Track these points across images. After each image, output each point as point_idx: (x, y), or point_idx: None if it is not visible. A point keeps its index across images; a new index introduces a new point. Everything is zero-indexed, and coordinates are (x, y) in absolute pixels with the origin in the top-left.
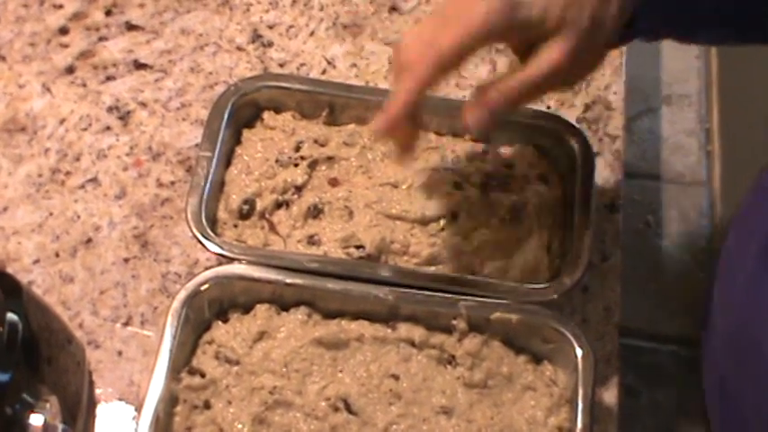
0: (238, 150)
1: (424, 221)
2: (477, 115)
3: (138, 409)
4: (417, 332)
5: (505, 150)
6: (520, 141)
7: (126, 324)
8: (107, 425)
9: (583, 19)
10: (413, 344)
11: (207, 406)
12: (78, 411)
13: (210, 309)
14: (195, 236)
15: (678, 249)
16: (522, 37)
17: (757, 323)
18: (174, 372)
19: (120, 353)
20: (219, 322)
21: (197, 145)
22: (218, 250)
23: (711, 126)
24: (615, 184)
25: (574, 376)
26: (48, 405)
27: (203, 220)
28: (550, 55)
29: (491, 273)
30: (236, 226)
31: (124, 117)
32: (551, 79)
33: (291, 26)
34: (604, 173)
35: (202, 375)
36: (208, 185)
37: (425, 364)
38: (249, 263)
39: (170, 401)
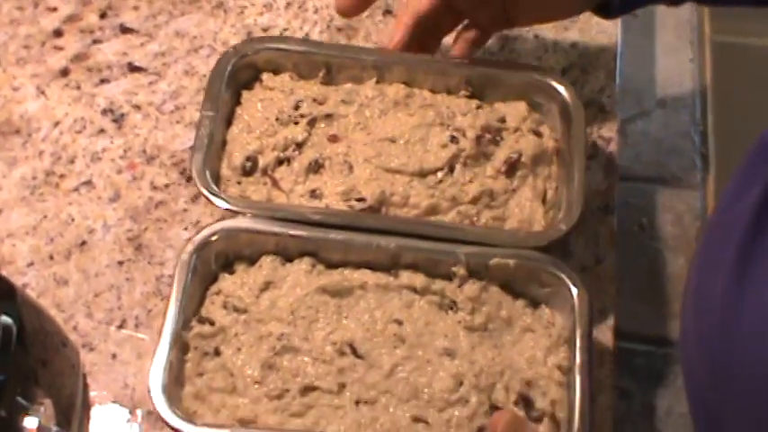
0: (238, 111)
1: (422, 174)
2: None
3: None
4: (419, 279)
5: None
6: (511, 97)
7: (120, 327)
8: (101, 427)
9: None
10: (415, 290)
11: (217, 353)
12: (73, 414)
13: (217, 261)
14: (201, 192)
15: (673, 252)
16: None
17: (739, 328)
18: (185, 321)
19: (114, 356)
20: (226, 274)
21: (191, 147)
22: (225, 205)
23: (705, 129)
24: (609, 186)
25: (571, 318)
26: (42, 408)
27: (208, 177)
28: None
29: (488, 222)
30: (239, 183)
31: (118, 120)
32: None
33: (285, 29)
34: (598, 175)
35: (212, 324)
36: (211, 144)
37: (427, 310)
38: (254, 216)
39: (181, 349)
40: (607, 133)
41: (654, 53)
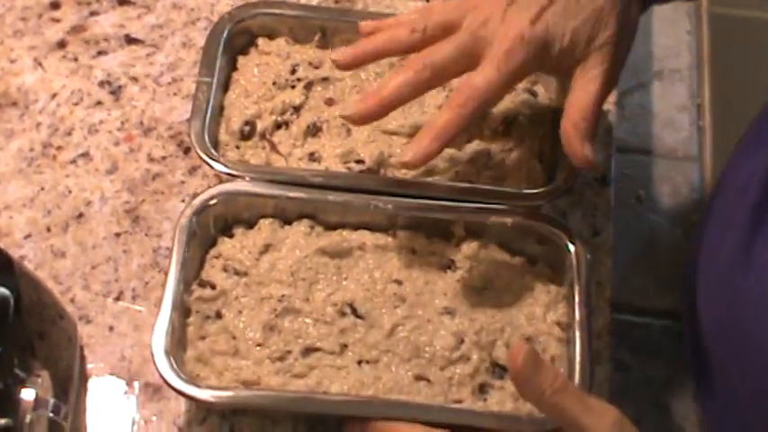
0: (235, 76)
1: None
2: (586, 146)
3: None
4: (417, 239)
5: None
6: None
7: (117, 299)
8: (99, 399)
9: (611, 35)
10: (413, 250)
11: (218, 316)
12: (70, 386)
13: (215, 225)
14: (200, 157)
15: (670, 224)
16: (557, 66)
17: (745, 307)
18: (185, 284)
19: (111, 328)
20: (225, 238)
21: (188, 120)
22: (224, 169)
23: (703, 101)
24: (606, 158)
25: (569, 274)
26: (39, 380)
27: (207, 143)
28: (594, 82)
29: (486, 181)
30: (237, 147)
31: (116, 92)
32: (605, 94)
33: (284, 2)
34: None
35: (212, 287)
36: (209, 109)
37: (426, 269)
38: (254, 180)
39: (183, 313)
40: (604, 105)
41: (651, 25)
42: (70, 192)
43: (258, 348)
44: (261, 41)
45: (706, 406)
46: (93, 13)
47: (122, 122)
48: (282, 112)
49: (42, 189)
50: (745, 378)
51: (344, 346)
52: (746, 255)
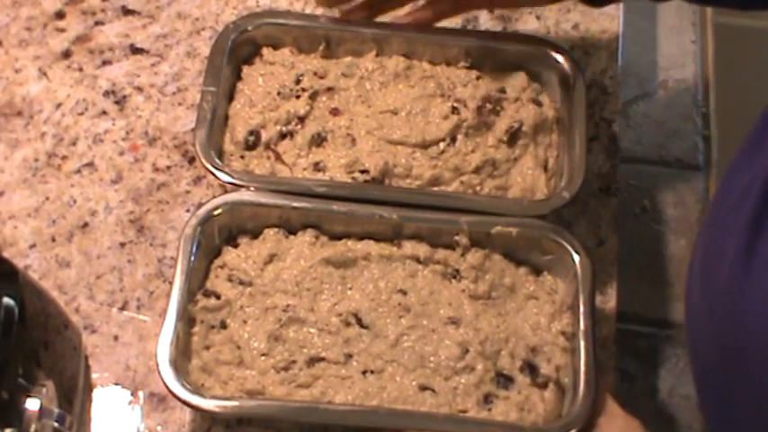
0: (239, 86)
1: (424, 145)
2: None
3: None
4: (422, 249)
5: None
6: (510, 67)
7: (122, 309)
8: (103, 409)
9: None
10: (418, 260)
11: (223, 326)
12: (75, 396)
13: (220, 235)
14: (205, 167)
15: (675, 234)
16: None
17: (747, 311)
18: (190, 294)
19: (116, 337)
20: (229, 247)
21: (193, 129)
22: (229, 179)
23: (708, 110)
24: (611, 168)
25: (573, 284)
26: (44, 390)
27: (212, 152)
28: None
29: (491, 191)
30: (242, 157)
31: (120, 102)
32: None
33: (287, 11)
34: (600, 157)
35: (217, 297)
36: (214, 119)
37: (431, 279)
38: (258, 189)
39: (188, 322)
40: (609, 115)
41: (656, 35)
42: (75, 202)
43: (263, 358)
44: (265, 51)
45: (710, 415)
46: (98, 23)
47: (127, 132)
48: (287, 122)
49: (47, 199)
50: (748, 385)
51: (349, 356)
52: (748, 259)
